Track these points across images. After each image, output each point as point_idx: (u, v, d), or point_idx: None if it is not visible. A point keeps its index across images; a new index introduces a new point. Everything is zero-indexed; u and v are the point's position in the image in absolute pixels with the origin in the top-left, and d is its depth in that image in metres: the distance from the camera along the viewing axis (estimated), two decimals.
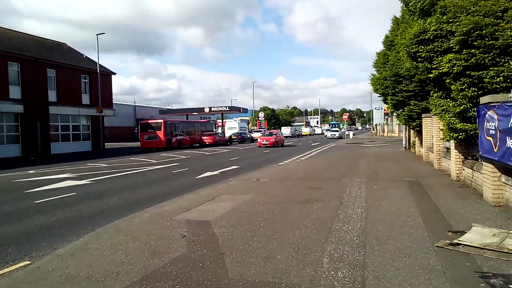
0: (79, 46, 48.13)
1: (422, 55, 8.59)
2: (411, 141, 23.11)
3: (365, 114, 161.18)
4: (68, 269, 4.31)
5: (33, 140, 26.62)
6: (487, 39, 7.10)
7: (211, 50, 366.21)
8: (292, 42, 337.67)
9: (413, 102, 16.91)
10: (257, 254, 4.60)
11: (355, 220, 6.07)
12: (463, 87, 7.46)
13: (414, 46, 8.85)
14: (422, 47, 8.60)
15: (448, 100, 8.56)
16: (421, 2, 9.40)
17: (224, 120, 58.56)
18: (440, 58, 7.95)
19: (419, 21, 9.78)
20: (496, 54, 7.06)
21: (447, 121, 8.26)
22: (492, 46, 7.02)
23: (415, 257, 4.29)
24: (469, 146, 9.04)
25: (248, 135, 47.15)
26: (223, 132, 49.91)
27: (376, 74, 20.31)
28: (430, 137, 15.02)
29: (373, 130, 77.88)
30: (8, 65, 25.30)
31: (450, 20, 7.70)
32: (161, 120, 32.55)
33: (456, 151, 9.59)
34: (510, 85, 6.81)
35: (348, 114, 52.25)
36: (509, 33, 6.80)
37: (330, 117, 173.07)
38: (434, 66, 8.19)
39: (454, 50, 7.50)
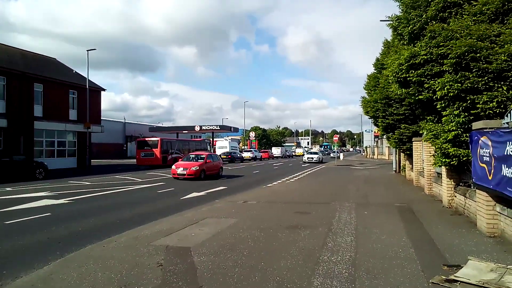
0: (72, 62, 48.45)
1: (413, 80, 8.48)
2: (401, 164, 23.03)
3: (355, 136, 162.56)
4: None
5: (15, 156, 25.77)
6: (481, 62, 7.01)
7: (204, 69, 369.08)
8: (284, 63, 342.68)
9: (403, 125, 16.86)
10: None
11: (344, 250, 5.71)
12: (456, 112, 7.30)
13: (403, 72, 8.74)
14: (413, 72, 8.50)
15: (440, 125, 8.41)
16: (410, 26, 9.38)
17: (215, 139, 58.25)
18: (432, 82, 7.83)
19: (407, 47, 9.75)
20: (490, 78, 6.95)
21: (439, 146, 8.06)
22: (486, 70, 6.92)
23: None
24: (461, 172, 8.85)
25: (238, 155, 46.79)
26: (214, 151, 49.55)
27: (367, 96, 20.36)
28: (421, 161, 14.90)
29: (363, 152, 78.26)
30: None
31: (441, 44, 7.63)
32: (158, 138, 32.62)
33: (448, 177, 9.39)
34: (503, 110, 6.66)
35: (338, 135, 50.79)
36: (503, 57, 6.71)
37: (321, 138, 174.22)
38: (425, 88, 8.08)
39: (448, 72, 7.38)
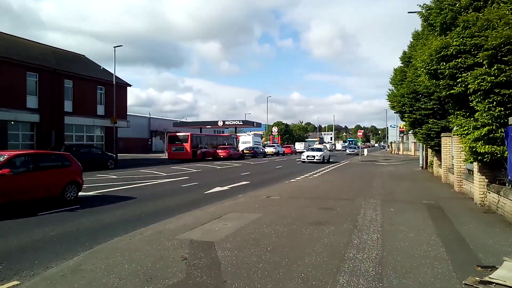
0: (100, 58, 49.63)
1: (444, 72, 8.13)
2: (428, 160, 22.33)
3: (379, 132, 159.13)
4: None
5: (47, 150, 26.85)
6: None
7: (227, 64, 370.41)
8: (308, 57, 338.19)
9: (431, 120, 16.28)
10: (262, 284, 4.16)
11: (371, 247, 5.57)
12: (490, 105, 6.94)
13: (434, 63, 8.41)
14: (444, 64, 8.15)
15: (472, 119, 8.03)
16: (442, 16, 8.97)
17: (238, 134, 58.53)
18: (465, 74, 7.47)
19: (438, 38, 9.37)
20: None
21: (470, 143, 7.71)
22: None
23: None
24: (494, 168, 8.44)
25: (261, 150, 46.78)
26: (237, 146, 49.86)
27: (394, 90, 19.79)
28: (450, 157, 14.37)
29: (388, 148, 76.50)
30: (26, 75, 25.79)
31: (475, 34, 7.25)
32: (188, 133, 33.97)
33: (480, 174, 8.98)
34: None
35: (362, 131, 49.64)
36: None
37: (344, 134, 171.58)
38: (458, 82, 7.72)
39: (482, 65, 7.01)
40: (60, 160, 10.50)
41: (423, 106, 16.52)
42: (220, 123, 56.75)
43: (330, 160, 33.90)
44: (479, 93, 7.17)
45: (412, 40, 18.47)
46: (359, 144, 46.24)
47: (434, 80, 8.90)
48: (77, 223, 7.69)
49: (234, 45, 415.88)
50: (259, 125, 66.38)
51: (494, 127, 7.24)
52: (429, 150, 21.12)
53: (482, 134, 7.34)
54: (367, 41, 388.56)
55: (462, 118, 8.63)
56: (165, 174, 19.33)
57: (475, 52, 7.35)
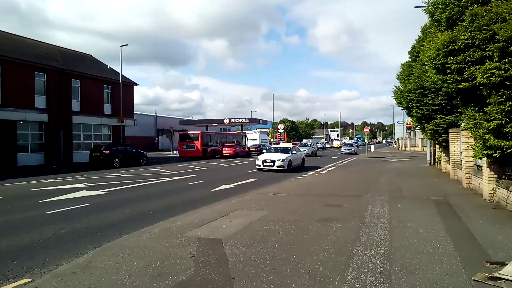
0: (106, 57, 50.11)
1: (452, 67, 8.04)
2: (436, 156, 22.15)
3: (386, 128, 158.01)
4: None
5: (56, 149, 27.13)
6: None
7: (234, 61, 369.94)
8: (314, 54, 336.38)
9: (439, 116, 16.13)
10: (270, 281, 4.18)
11: (378, 244, 5.55)
12: (501, 100, 6.85)
13: (441, 58, 8.31)
14: (451, 58, 8.05)
15: (481, 114, 7.94)
16: (448, 11, 8.87)
17: (245, 132, 58.59)
18: (473, 68, 7.39)
19: (445, 33, 9.26)
20: None
21: (480, 136, 7.62)
22: None
23: None
24: (504, 164, 8.35)
25: (268, 147, 46.74)
26: (246, 143, 49.91)
27: (400, 86, 19.63)
28: (458, 153, 14.25)
29: (395, 144, 75.99)
30: (35, 75, 26.04)
31: (483, 28, 7.15)
32: (199, 131, 34.83)
33: (489, 169, 8.89)
34: None
35: (369, 127, 49.37)
36: None
37: (351, 130, 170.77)
38: (466, 77, 7.63)
39: (492, 59, 6.92)
40: None
41: (430, 102, 16.37)
42: (226, 121, 56.83)
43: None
44: (488, 87, 7.07)
45: (420, 35, 18.27)
46: (366, 140, 46.02)
47: (441, 75, 8.80)
48: (86, 221, 7.78)
49: (240, 42, 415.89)
50: (265, 122, 66.34)
51: (504, 121, 7.15)
52: (437, 146, 20.94)
53: (491, 127, 7.25)
54: (374, 37, 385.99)
55: (472, 111, 8.53)
56: (172, 172, 19.43)
57: (484, 46, 7.26)
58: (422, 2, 9.99)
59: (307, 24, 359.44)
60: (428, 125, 17.06)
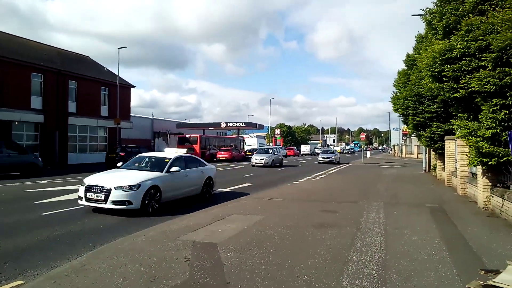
0: (104, 59, 50.10)
1: (448, 75, 8.13)
2: (431, 163, 22.25)
3: (382, 134, 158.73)
4: None
5: (51, 150, 26.96)
6: None
7: (232, 66, 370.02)
8: (312, 60, 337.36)
9: (435, 123, 16.23)
10: (265, 286, 4.17)
11: (374, 250, 5.56)
12: (495, 108, 6.93)
13: (437, 66, 8.40)
14: (448, 66, 8.14)
15: (475, 122, 8.01)
16: (445, 20, 8.98)
17: (243, 136, 58.71)
18: (469, 77, 7.47)
19: (441, 41, 9.37)
20: None
21: (474, 144, 7.69)
22: None
23: None
24: (498, 172, 8.41)
25: (258, 149, 46.76)
26: (244, 148, 49.91)
27: (397, 93, 19.77)
28: (454, 161, 14.33)
29: (391, 150, 76.29)
30: (31, 76, 25.95)
31: (479, 38, 7.24)
32: (198, 135, 35.28)
33: (484, 177, 8.95)
34: None
35: (365, 133, 49.37)
36: None
37: (347, 136, 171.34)
38: (461, 85, 7.71)
39: (487, 68, 7.01)
40: None
41: (426, 109, 16.48)
42: (223, 125, 56.71)
43: (338, 162, 34.26)
44: (482, 95, 7.15)
45: (416, 42, 18.44)
46: (363, 146, 46.18)
47: (438, 83, 8.89)
48: (81, 223, 7.72)
49: (239, 47, 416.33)
50: (262, 127, 66.31)
51: (498, 130, 7.23)
52: (432, 153, 21.06)
53: (486, 136, 7.33)
54: (373, 44, 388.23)
55: (466, 120, 8.61)
56: None
57: (479, 55, 7.35)
58: (420, 9, 10.12)
59: (306, 30, 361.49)
60: (424, 132, 17.16)
